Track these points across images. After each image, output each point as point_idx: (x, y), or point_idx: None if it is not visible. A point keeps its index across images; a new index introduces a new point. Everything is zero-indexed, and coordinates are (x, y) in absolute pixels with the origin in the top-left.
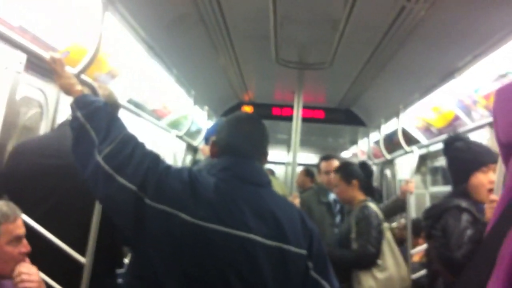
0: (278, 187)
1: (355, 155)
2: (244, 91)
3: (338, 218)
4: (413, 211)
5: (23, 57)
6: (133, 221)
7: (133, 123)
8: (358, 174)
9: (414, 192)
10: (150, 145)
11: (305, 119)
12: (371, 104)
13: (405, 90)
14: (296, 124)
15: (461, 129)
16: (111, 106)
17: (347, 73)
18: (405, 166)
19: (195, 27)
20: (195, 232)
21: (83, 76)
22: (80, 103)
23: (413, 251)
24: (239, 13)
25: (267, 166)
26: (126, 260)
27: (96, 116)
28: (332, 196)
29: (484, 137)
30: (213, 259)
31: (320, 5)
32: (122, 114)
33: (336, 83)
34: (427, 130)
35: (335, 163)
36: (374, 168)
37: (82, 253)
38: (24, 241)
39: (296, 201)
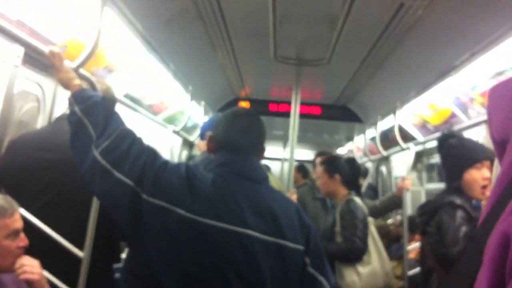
0: (274, 183)
1: (350, 151)
2: (241, 87)
3: None
4: (409, 208)
5: (21, 50)
6: (130, 216)
7: (129, 118)
8: (342, 170)
9: (410, 189)
10: (146, 140)
11: (302, 115)
12: (368, 101)
13: (402, 87)
14: (294, 120)
15: (457, 127)
16: (109, 101)
17: (345, 70)
18: (401, 163)
19: (193, 23)
20: (193, 227)
21: (81, 70)
22: (78, 98)
23: (409, 247)
24: (238, 10)
25: (263, 162)
26: (123, 255)
27: (94, 111)
28: None
29: (481, 135)
30: (211, 255)
31: (319, 3)
32: (118, 109)
33: (333, 80)
34: (424, 127)
35: None
36: (370, 165)
37: (80, 247)
38: (22, 235)
39: (294, 197)
